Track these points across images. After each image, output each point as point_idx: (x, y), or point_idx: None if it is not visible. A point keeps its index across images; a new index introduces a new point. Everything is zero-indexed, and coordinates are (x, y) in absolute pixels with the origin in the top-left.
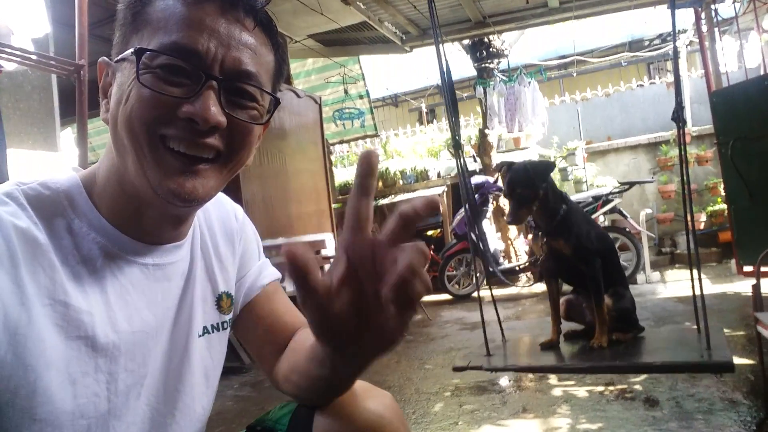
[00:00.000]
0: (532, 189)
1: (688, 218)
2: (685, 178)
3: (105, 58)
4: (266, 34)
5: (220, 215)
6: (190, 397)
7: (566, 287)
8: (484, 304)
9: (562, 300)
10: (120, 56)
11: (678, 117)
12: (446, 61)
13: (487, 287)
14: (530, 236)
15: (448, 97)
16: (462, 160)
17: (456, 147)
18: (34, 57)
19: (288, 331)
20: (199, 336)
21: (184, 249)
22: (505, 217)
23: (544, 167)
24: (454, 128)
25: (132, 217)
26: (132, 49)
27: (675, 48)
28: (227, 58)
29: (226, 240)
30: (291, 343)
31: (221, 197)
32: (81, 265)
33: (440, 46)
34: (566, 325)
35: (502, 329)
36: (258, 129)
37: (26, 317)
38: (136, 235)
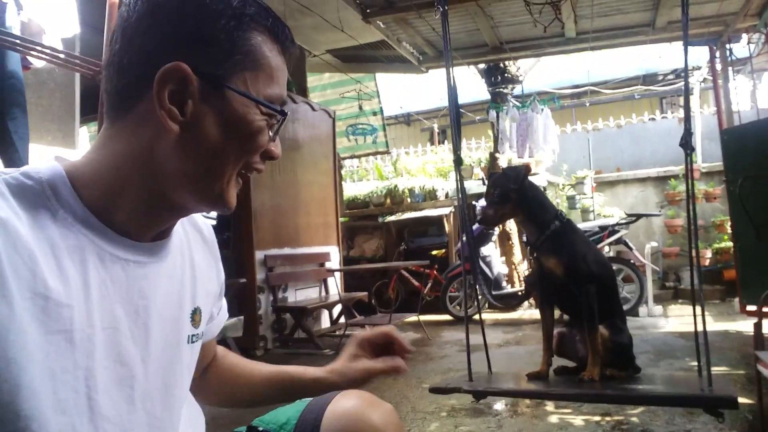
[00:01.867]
0: (505, 190)
1: (693, 252)
2: (691, 208)
3: (186, 67)
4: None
5: (204, 238)
6: (182, 402)
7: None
8: (488, 326)
9: (555, 332)
10: (245, 93)
11: (686, 143)
12: (453, 79)
13: (487, 310)
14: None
15: (453, 113)
16: (460, 176)
17: (457, 163)
18: (62, 56)
19: (209, 357)
20: (186, 344)
21: (166, 251)
22: (476, 218)
23: (517, 170)
24: (456, 143)
25: (120, 212)
26: (268, 99)
27: (686, 73)
28: (287, 101)
29: (206, 256)
30: (222, 368)
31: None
32: (64, 257)
33: (449, 61)
34: (558, 361)
35: (488, 356)
36: None
37: (8, 310)
38: (119, 229)
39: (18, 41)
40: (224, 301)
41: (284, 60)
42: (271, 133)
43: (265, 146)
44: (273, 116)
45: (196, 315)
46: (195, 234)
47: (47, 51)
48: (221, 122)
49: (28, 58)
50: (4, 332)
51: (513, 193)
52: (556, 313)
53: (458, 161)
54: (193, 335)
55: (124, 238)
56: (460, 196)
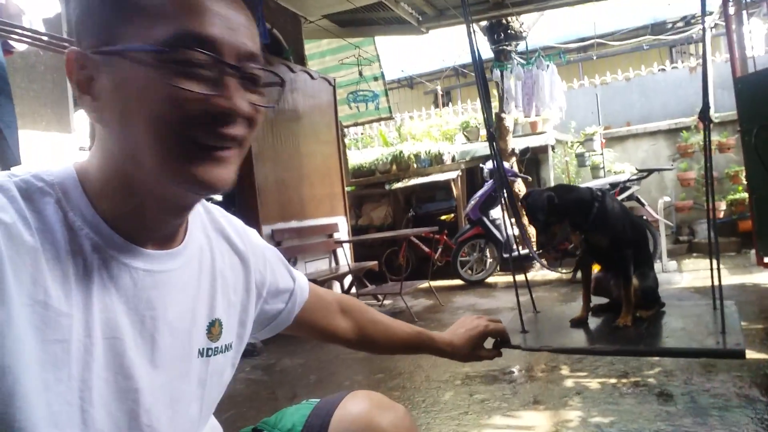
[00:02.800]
0: (545, 217)
1: (710, 208)
2: (709, 175)
3: (77, 48)
4: (249, 9)
5: (226, 238)
6: (187, 418)
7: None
8: (501, 290)
9: (592, 277)
10: (112, 48)
11: (705, 116)
12: (477, 46)
13: (499, 273)
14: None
15: (481, 83)
16: (495, 148)
17: (490, 139)
18: (45, 38)
19: (333, 306)
20: (197, 357)
21: (179, 261)
22: (537, 245)
23: (540, 200)
24: (488, 119)
25: (127, 216)
26: (142, 45)
27: (704, 41)
28: (234, 43)
29: (233, 264)
30: (353, 312)
31: (235, 220)
32: (70, 262)
33: (470, 26)
34: (594, 300)
35: (534, 304)
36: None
37: (5, 316)
38: (128, 236)
39: None
40: (300, 277)
41: None
42: (191, 84)
43: (181, 99)
44: (182, 62)
45: (213, 327)
46: (221, 242)
47: (28, 33)
48: (121, 93)
49: (9, 42)
50: (0, 339)
51: (552, 217)
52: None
53: (491, 137)
54: (208, 349)
55: (134, 246)
56: (496, 173)
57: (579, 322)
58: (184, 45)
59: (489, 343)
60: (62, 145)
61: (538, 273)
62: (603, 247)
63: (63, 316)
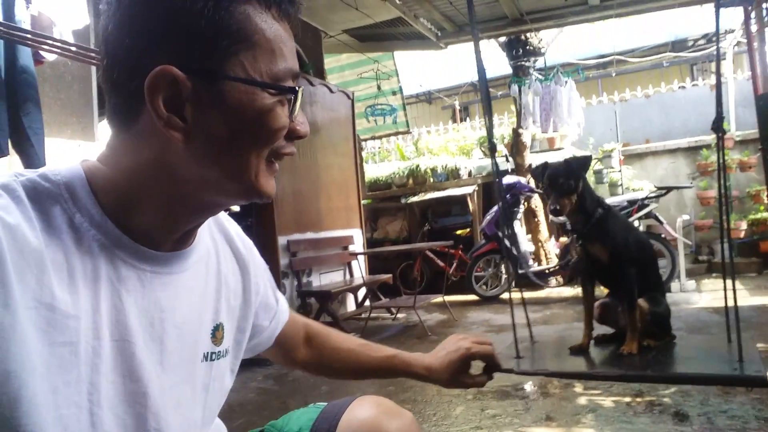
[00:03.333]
0: (574, 179)
1: (725, 225)
2: (722, 188)
3: (173, 67)
4: None
5: (235, 247)
6: (196, 426)
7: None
8: (517, 306)
9: (597, 303)
10: (238, 77)
11: (718, 127)
12: (481, 62)
13: (516, 289)
14: (564, 238)
15: (485, 96)
16: (497, 162)
17: (491, 149)
18: (73, 48)
19: (301, 332)
20: (201, 362)
21: (188, 263)
22: (549, 207)
23: (584, 159)
24: (489, 129)
25: (140, 219)
26: (262, 78)
27: (718, 51)
28: (299, 73)
29: (235, 270)
30: (317, 339)
31: (236, 224)
32: (77, 263)
33: (478, 43)
34: (599, 329)
35: (531, 332)
36: None
37: (10, 320)
38: (137, 237)
39: (28, 35)
40: (282, 300)
41: (285, 26)
42: (289, 112)
43: (284, 128)
44: (284, 94)
45: (218, 331)
46: (225, 246)
47: (59, 44)
48: (227, 118)
49: (40, 52)
50: (5, 344)
51: (581, 182)
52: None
53: (493, 148)
54: (212, 353)
55: (143, 247)
56: (496, 183)
57: (579, 350)
58: (286, 79)
59: (479, 367)
60: (86, 154)
61: (555, 290)
62: (603, 261)
63: (70, 318)
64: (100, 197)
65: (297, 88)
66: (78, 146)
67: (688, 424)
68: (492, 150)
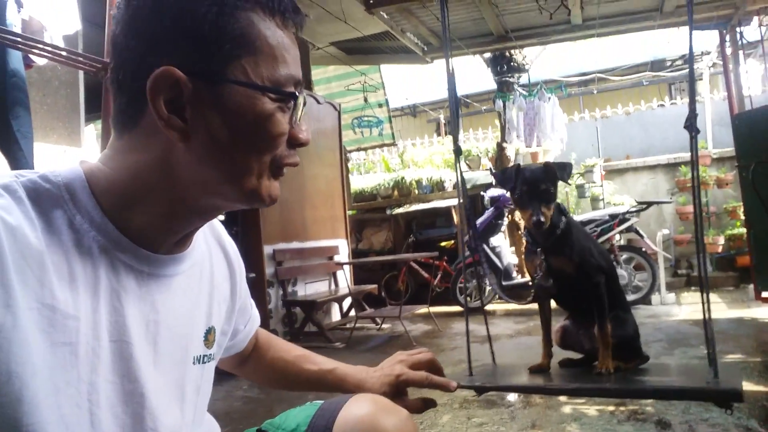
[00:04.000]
0: (554, 186)
1: (700, 237)
2: (696, 194)
3: (175, 69)
4: None
5: (223, 251)
6: (187, 423)
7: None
8: (499, 317)
9: (557, 326)
10: (227, 78)
11: (691, 125)
12: (452, 75)
13: (498, 301)
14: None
15: (453, 103)
16: (460, 166)
17: (456, 152)
18: (63, 53)
19: (247, 351)
20: (192, 364)
21: (184, 265)
22: (525, 220)
23: (564, 165)
24: (455, 132)
25: (150, 221)
26: (264, 83)
27: (691, 56)
28: (302, 81)
29: (226, 276)
30: (265, 360)
31: (223, 227)
32: (77, 264)
33: (448, 49)
34: (562, 353)
35: (492, 349)
36: None
37: (11, 320)
38: (136, 239)
39: (19, 39)
40: (253, 306)
41: (289, 34)
42: (289, 118)
43: (283, 133)
44: (285, 100)
45: (210, 335)
46: (218, 250)
47: (48, 49)
48: (227, 120)
49: (30, 56)
50: (5, 344)
51: (556, 188)
52: (553, 304)
53: (458, 151)
54: (204, 356)
55: (141, 249)
56: (460, 188)
57: (540, 370)
58: (287, 85)
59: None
60: (72, 159)
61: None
62: (568, 274)
63: (70, 319)
64: (100, 198)
65: (297, 94)
66: (64, 152)
67: None
68: (457, 154)
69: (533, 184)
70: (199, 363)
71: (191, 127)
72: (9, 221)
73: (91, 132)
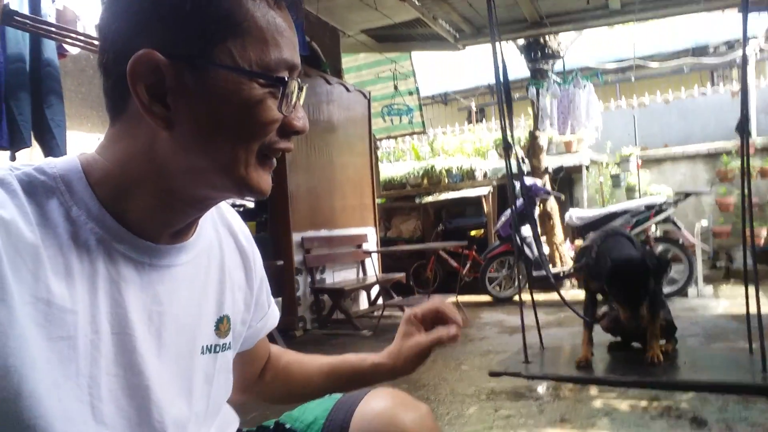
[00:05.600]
0: (652, 284)
1: (747, 232)
2: (746, 191)
3: (155, 52)
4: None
5: (240, 242)
6: (194, 414)
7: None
8: (526, 308)
9: (602, 312)
10: (223, 65)
11: (743, 128)
12: (503, 62)
13: (528, 291)
14: (579, 241)
15: (502, 97)
16: (510, 163)
17: (506, 148)
18: (96, 42)
19: (263, 358)
20: (201, 354)
21: (188, 255)
22: (622, 316)
23: (664, 263)
24: (506, 129)
25: (148, 212)
26: (251, 67)
27: (744, 53)
28: (299, 67)
29: (238, 263)
30: (278, 369)
31: (238, 216)
32: (74, 257)
33: (498, 45)
34: (605, 337)
35: (540, 337)
36: None
37: (7, 315)
38: (135, 230)
39: (53, 29)
40: (273, 305)
41: (284, 15)
42: (278, 105)
43: (274, 121)
44: (275, 85)
45: (222, 324)
46: (228, 239)
47: (82, 38)
48: (211, 106)
49: (64, 45)
50: (3, 339)
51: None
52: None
53: (508, 147)
54: (216, 345)
55: (140, 239)
56: (510, 188)
57: (585, 364)
58: (279, 69)
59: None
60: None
61: (569, 292)
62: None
63: (67, 313)
64: (97, 189)
65: (287, 78)
66: (98, 139)
67: (707, 431)
68: (507, 150)
69: (632, 290)
70: (210, 353)
71: (174, 114)
72: (2, 215)
73: None
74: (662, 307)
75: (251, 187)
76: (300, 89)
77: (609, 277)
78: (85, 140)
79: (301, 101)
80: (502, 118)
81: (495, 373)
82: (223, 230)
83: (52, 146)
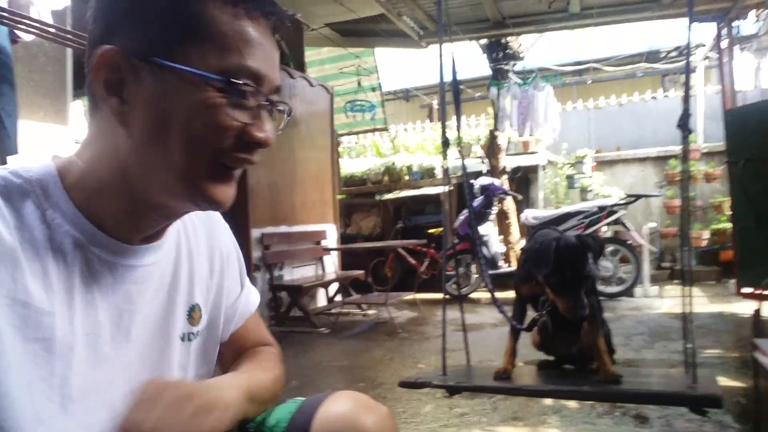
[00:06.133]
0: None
1: (687, 231)
2: (686, 189)
3: (117, 48)
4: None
5: (208, 229)
6: None
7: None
8: (484, 305)
9: (535, 330)
10: (175, 65)
11: (684, 125)
12: (453, 62)
13: (482, 289)
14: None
15: (444, 96)
16: (448, 159)
17: (444, 144)
18: (51, 30)
19: (249, 347)
20: (175, 344)
21: (160, 253)
22: (565, 310)
23: (600, 242)
24: (445, 125)
25: (112, 213)
26: (209, 71)
27: (688, 53)
28: (272, 78)
29: (206, 253)
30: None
31: (212, 212)
32: (51, 259)
33: (443, 43)
34: (537, 355)
35: (467, 347)
36: None
37: None
38: (111, 232)
39: (5, 14)
40: (249, 287)
41: (257, 25)
42: (237, 114)
43: (226, 127)
44: (231, 90)
45: (194, 312)
46: (196, 226)
47: (36, 24)
48: (164, 106)
49: (16, 32)
50: None
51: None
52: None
53: (446, 142)
54: (189, 333)
55: (115, 241)
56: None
57: (504, 375)
58: (239, 77)
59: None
60: (58, 137)
61: None
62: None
63: (45, 315)
64: (72, 192)
65: (245, 85)
66: (49, 129)
67: (648, 427)
68: (445, 146)
69: (578, 270)
70: (184, 341)
71: (129, 109)
72: None
73: (81, 109)
74: (603, 325)
75: (205, 197)
76: (271, 104)
77: (552, 257)
78: (37, 130)
79: (271, 116)
80: (443, 116)
81: (405, 383)
82: (187, 218)
83: (2, 137)
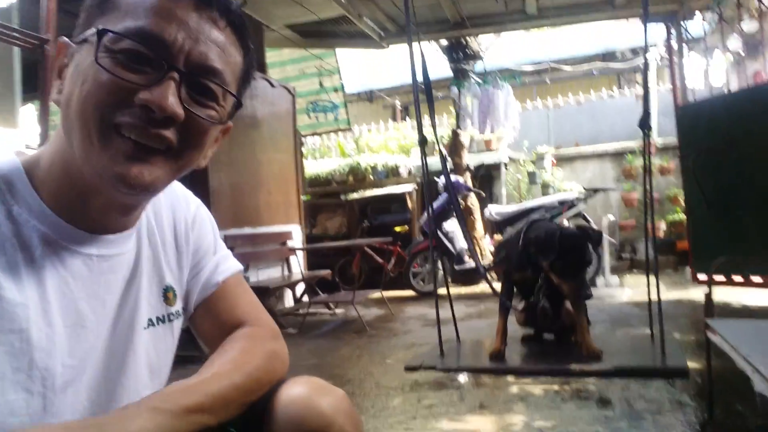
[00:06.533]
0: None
1: (649, 225)
2: (648, 185)
3: (65, 38)
4: (237, 35)
5: (171, 204)
6: (133, 391)
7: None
8: (447, 301)
9: (521, 308)
10: (81, 37)
11: (644, 124)
12: (423, 58)
13: (452, 285)
14: (498, 236)
15: (417, 94)
16: (426, 157)
17: (422, 143)
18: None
19: (236, 326)
20: (144, 328)
21: (132, 240)
22: (569, 293)
23: (599, 235)
24: (422, 123)
25: (76, 205)
26: (94, 30)
27: (646, 58)
28: (194, 52)
29: (175, 231)
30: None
31: (175, 185)
32: (19, 254)
33: (413, 42)
34: (520, 332)
35: (457, 330)
36: (215, 131)
37: None
38: (80, 223)
39: None
40: (222, 257)
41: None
42: (125, 73)
43: (109, 84)
44: (119, 52)
45: (169, 293)
46: (164, 202)
47: None
48: (72, 79)
49: None
50: None
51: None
52: None
53: (423, 141)
54: (169, 314)
55: (85, 233)
56: (427, 179)
57: (498, 355)
58: (133, 39)
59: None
60: (7, 141)
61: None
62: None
63: (18, 306)
64: (40, 187)
65: (105, 30)
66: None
67: (610, 409)
68: (422, 144)
69: (578, 255)
70: (162, 323)
71: (62, 90)
72: None
73: (33, 113)
74: (585, 299)
75: (116, 174)
76: (186, 77)
77: (559, 247)
78: None
79: (197, 95)
80: (418, 114)
81: (411, 368)
82: (157, 200)
83: None
